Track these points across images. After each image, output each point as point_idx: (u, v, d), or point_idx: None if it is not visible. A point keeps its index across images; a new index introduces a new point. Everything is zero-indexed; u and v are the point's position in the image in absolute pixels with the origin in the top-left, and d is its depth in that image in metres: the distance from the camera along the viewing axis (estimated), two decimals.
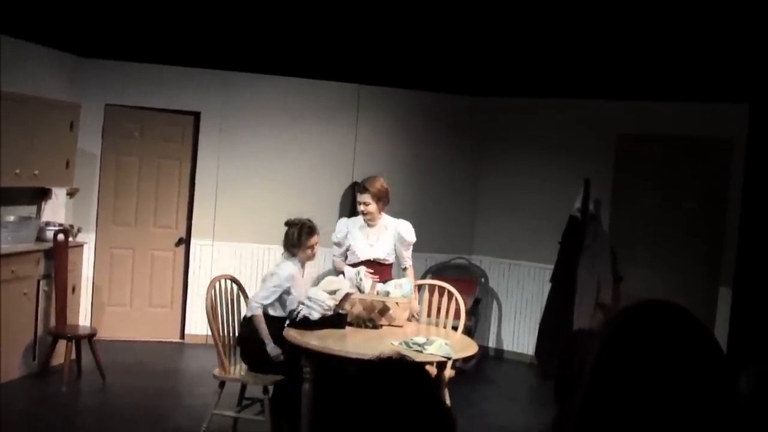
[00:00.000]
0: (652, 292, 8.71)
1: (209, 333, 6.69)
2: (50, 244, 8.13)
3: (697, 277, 9.07)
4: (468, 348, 6.29)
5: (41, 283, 8.08)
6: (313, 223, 6.59)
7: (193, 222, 9.88)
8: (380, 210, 6.92)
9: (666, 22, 7.12)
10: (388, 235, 6.96)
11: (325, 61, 9.52)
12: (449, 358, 5.84)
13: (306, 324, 6.23)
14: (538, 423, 7.62)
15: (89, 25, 8.43)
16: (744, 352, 7.78)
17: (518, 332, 10.29)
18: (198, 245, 9.85)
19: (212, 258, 9.79)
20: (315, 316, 6.27)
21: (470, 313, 9.66)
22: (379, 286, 6.73)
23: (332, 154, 10.09)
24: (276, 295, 6.36)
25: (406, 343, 5.87)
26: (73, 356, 7.93)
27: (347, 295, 6.45)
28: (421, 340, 5.93)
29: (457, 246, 10.50)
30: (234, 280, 6.85)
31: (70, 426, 7.03)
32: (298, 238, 6.47)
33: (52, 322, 8.11)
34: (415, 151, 10.36)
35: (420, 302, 7.22)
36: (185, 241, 9.90)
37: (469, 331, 9.07)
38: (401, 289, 6.67)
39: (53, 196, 8.83)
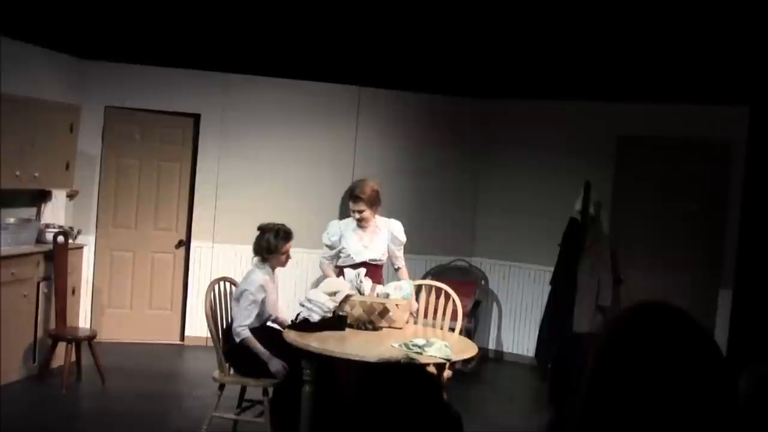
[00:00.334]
0: (652, 294, 8.71)
1: (209, 335, 6.69)
2: (50, 246, 8.13)
3: (697, 279, 9.07)
4: (468, 350, 6.28)
5: (41, 285, 8.07)
6: (289, 229, 6.57)
7: (193, 224, 9.87)
8: (374, 214, 6.92)
9: (667, 24, 7.12)
10: (382, 235, 6.97)
11: (325, 63, 9.52)
12: (449, 360, 5.84)
13: (306, 326, 6.23)
14: (538, 425, 7.61)
15: (89, 27, 8.43)
16: (744, 354, 7.78)
17: (518, 334, 10.29)
18: (198, 247, 9.85)
19: (212, 260, 9.78)
20: (315, 317, 6.27)
21: (470, 315, 9.67)
22: (379, 288, 6.73)
23: (332, 156, 10.09)
24: (255, 311, 6.33)
25: (406, 345, 5.87)
26: (73, 358, 7.93)
27: (347, 297, 6.45)
28: (420, 341, 5.93)
29: (458, 248, 10.50)
30: (233, 283, 6.83)
31: (69, 428, 7.01)
32: (275, 243, 6.45)
33: (52, 324, 8.10)
34: (415, 153, 10.36)
35: (417, 301, 7.21)
36: (185, 244, 9.90)
37: (469, 333, 9.08)
38: (401, 291, 6.68)
39: (53, 198, 8.83)
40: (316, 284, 7.16)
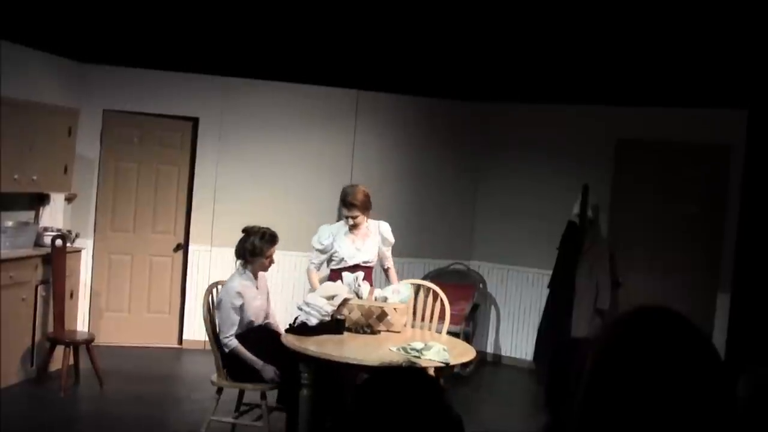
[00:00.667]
0: (650, 297, 8.71)
1: (207, 339, 6.69)
2: (48, 250, 8.13)
3: (695, 282, 9.08)
4: (466, 353, 6.28)
5: (39, 288, 8.07)
6: (275, 233, 6.56)
7: (191, 227, 9.87)
8: (366, 218, 6.94)
9: (665, 27, 7.12)
10: (373, 238, 6.99)
11: (323, 66, 9.52)
12: (447, 364, 5.84)
13: (304, 330, 6.23)
14: (535, 428, 7.61)
15: (88, 30, 8.42)
16: (743, 357, 7.77)
17: (516, 338, 10.28)
18: (196, 251, 9.85)
19: (210, 264, 9.78)
20: (313, 321, 6.27)
21: (468, 318, 9.67)
22: (377, 292, 6.73)
23: (330, 159, 10.09)
24: (236, 318, 6.32)
25: (404, 349, 5.87)
26: (71, 362, 7.91)
27: (345, 301, 6.45)
28: (418, 345, 5.93)
29: (456, 251, 10.50)
30: None
31: (68, 431, 7.03)
32: (260, 246, 6.43)
33: (51, 327, 8.10)
34: (414, 157, 10.37)
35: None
36: (183, 247, 9.89)
37: (467, 337, 9.08)
38: (399, 295, 6.68)
39: (51, 201, 8.83)
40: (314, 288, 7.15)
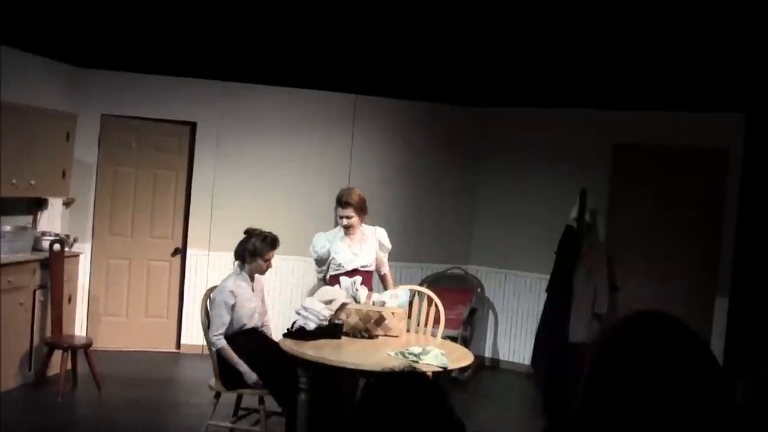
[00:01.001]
0: (648, 301, 8.72)
1: (205, 343, 6.68)
2: (46, 255, 8.12)
3: (693, 287, 9.08)
4: (464, 358, 6.28)
5: (37, 293, 8.07)
6: (277, 237, 6.57)
7: (189, 232, 9.87)
8: (360, 221, 6.93)
9: (662, 31, 7.13)
10: (370, 242, 6.98)
11: (321, 71, 9.52)
12: (445, 368, 5.84)
13: (302, 334, 6.23)
14: None
15: (86, 35, 8.43)
16: (741, 361, 7.77)
17: (514, 342, 10.28)
18: (194, 255, 9.84)
19: (208, 268, 9.77)
20: (311, 326, 6.27)
21: (466, 323, 9.67)
22: (375, 296, 6.74)
23: (328, 164, 10.09)
24: (227, 316, 6.31)
25: (402, 353, 5.87)
26: (69, 366, 7.91)
27: (343, 305, 6.45)
28: (417, 350, 5.92)
29: (454, 256, 10.50)
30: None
31: None
32: (261, 247, 6.44)
33: (48, 332, 8.09)
34: (411, 161, 10.37)
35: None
36: (181, 252, 9.89)
37: (465, 341, 9.08)
38: (397, 299, 6.68)
39: (49, 206, 8.83)
40: (312, 292, 7.16)
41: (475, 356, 7.04)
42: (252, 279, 6.54)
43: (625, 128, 9.53)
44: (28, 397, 7.69)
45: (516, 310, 10.28)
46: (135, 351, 9.55)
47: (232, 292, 6.33)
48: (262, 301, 6.71)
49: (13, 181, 7.84)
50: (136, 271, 9.77)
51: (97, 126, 9.53)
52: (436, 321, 7.08)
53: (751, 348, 7.96)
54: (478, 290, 10.32)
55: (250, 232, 6.55)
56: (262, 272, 6.60)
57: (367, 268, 6.96)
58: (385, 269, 7.18)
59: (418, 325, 7.10)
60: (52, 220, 8.85)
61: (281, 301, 9.36)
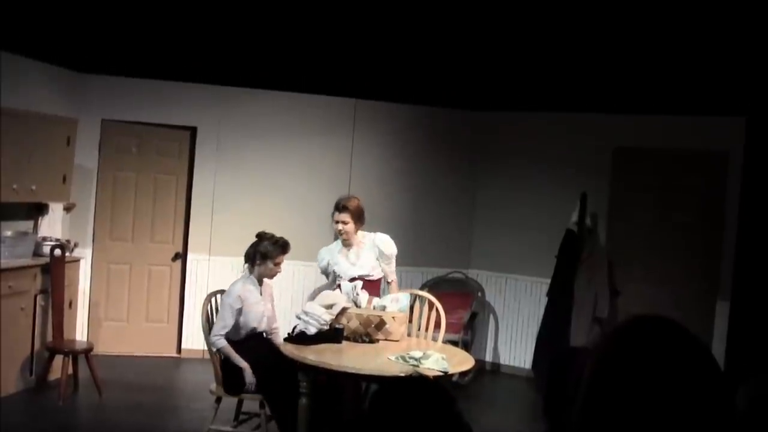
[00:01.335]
0: (649, 306, 8.71)
1: (206, 348, 6.68)
2: (47, 260, 8.13)
3: (694, 291, 9.07)
4: (464, 362, 6.28)
5: (38, 298, 8.07)
6: (288, 242, 6.57)
7: (189, 237, 9.87)
8: (357, 229, 6.89)
9: (663, 35, 7.13)
10: (368, 250, 6.92)
11: (321, 75, 9.53)
12: (446, 373, 5.83)
13: (303, 339, 6.23)
14: None
15: (86, 40, 8.43)
16: (742, 366, 7.77)
17: (515, 346, 10.28)
18: (195, 260, 9.84)
19: (209, 273, 9.77)
20: (312, 330, 6.27)
21: (467, 327, 9.66)
22: (376, 301, 6.73)
23: (328, 168, 10.09)
24: (231, 319, 6.32)
25: (403, 358, 5.87)
26: (70, 371, 7.91)
27: (344, 310, 6.45)
28: (417, 354, 5.92)
29: (454, 260, 10.50)
30: None
31: None
32: (272, 250, 6.45)
33: (49, 337, 8.09)
34: (412, 165, 10.38)
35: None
36: (182, 256, 9.89)
37: (465, 345, 9.07)
38: (398, 304, 6.68)
39: (50, 211, 8.83)
40: (313, 297, 7.15)
41: (476, 360, 7.03)
42: (260, 283, 6.55)
43: (625, 132, 9.53)
44: (29, 402, 7.69)
45: (517, 314, 10.28)
46: (136, 356, 9.55)
47: (239, 296, 6.34)
48: (272, 305, 6.72)
49: (14, 187, 7.85)
50: (136, 276, 9.77)
51: (97, 131, 9.53)
52: (437, 325, 7.07)
53: (752, 352, 7.96)
54: (479, 294, 10.32)
55: (261, 236, 6.58)
56: (271, 276, 6.61)
57: (370, 278, 6.90)
58: (391, 277, 7.10)
59: (419, 329, 7.09)
60: (52, 225, 8.86)
61: (281, 305, 9.34)
